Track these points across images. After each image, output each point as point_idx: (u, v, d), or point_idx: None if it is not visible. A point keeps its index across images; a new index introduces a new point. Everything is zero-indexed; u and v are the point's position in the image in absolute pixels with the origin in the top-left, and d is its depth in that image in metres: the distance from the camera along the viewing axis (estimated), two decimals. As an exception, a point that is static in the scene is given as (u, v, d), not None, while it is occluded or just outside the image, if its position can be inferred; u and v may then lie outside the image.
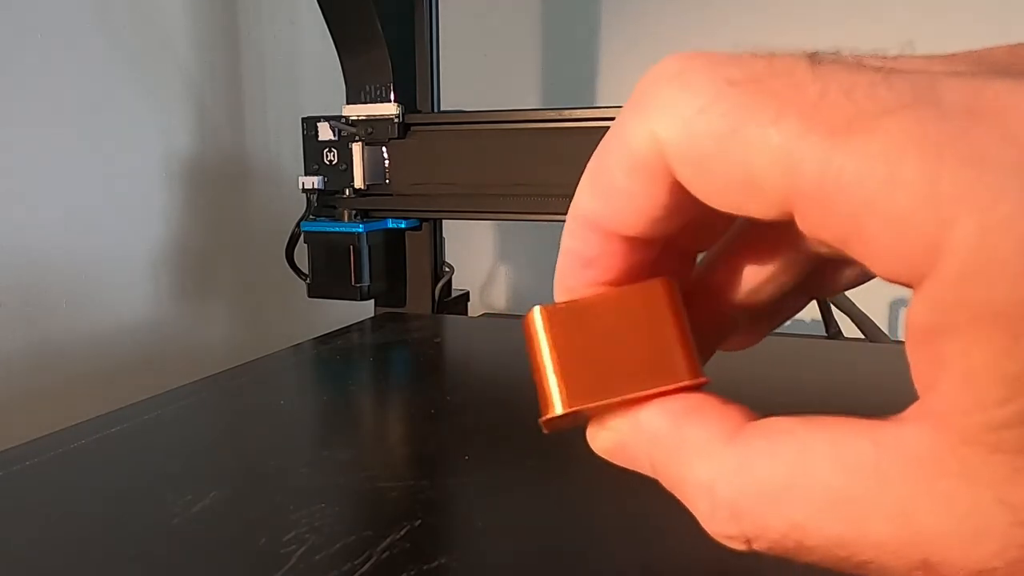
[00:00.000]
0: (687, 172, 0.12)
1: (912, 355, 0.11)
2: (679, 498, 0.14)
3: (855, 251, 0.11)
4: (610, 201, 0.13)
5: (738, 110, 0.11)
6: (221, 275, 0.81)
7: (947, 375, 0.11)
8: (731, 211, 0.12)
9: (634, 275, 0.14)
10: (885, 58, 0.12)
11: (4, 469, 0.28)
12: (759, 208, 0.12)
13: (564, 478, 0.28)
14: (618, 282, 0.15)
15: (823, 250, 0.13)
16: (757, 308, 0.16)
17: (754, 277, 0.15)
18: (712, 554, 0.22)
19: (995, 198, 0.09)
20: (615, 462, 0.15)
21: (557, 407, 0.14)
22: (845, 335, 0.66)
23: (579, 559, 0.22)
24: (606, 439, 0.15)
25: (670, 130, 0.12)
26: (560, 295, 0.15)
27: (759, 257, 0.15)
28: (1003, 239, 0.09)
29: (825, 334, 0.70)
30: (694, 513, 0.13)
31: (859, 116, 0.10)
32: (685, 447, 0.13)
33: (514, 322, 0.62)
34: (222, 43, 0.81)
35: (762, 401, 0.14)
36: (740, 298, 0.16)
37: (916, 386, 0.12)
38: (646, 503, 0.25)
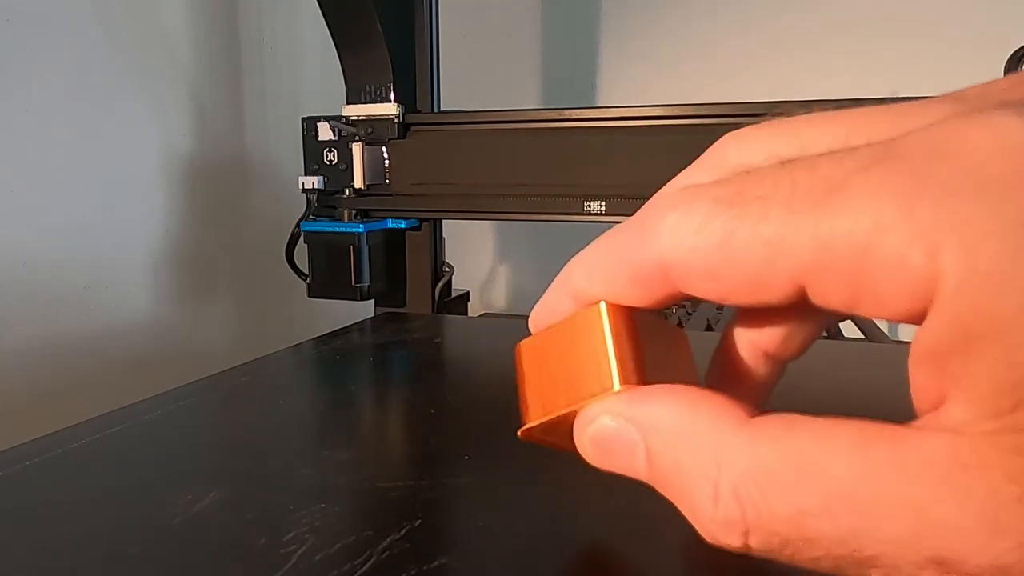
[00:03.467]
0: (695, 284, 0.13)
1: (916, 377, 0.12)
2: (670, 493, 0.14)
3: (866, 307, 0.12)
4: (606, 295, 0.15)
5: (730, 220, 0.12)
6: (221, 275, 0.81)
7: (955, 391, 0.11)
8: (745, 303, 0.13)
9: None
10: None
11: (4, 469, 0.28)
12: (772, 297, 0.13)
13: (564, 478, 0.28)
14: None
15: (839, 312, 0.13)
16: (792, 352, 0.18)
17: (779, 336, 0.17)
18: (713, 552, 0.22)
19: (968, 221, 0.10)
20: (599, 461, 0.15)
21: (525, 422, 0.17)
22: (845, 335, 0.66)
23: (579, 559, 0.22)
24: (594, 431, 0.15)
25: (676, 252, 0.13)
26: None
27: (778, 320, 0.17)
28: (983, 255, 0.10)
29: (825, 334, 0.71)
30: (689, 506, 0.13)
31: (831, 185, 0.11)
32: (689, 431, 0.13)
33: (514, 322, 0.63)
34: (222, 43, 0.81)
35: (762, 401, 0.14)
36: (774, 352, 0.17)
37: (917, 406, 0.12)
38: (647, 503, 0.25)
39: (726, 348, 0.18)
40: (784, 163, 0.13)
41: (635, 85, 0.94)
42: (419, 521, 0.24)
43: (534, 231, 0.95)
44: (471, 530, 0.24)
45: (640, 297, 0.15)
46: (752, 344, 0.18)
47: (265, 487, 0.27)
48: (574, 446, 0.16)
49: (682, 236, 0.13)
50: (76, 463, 0.29)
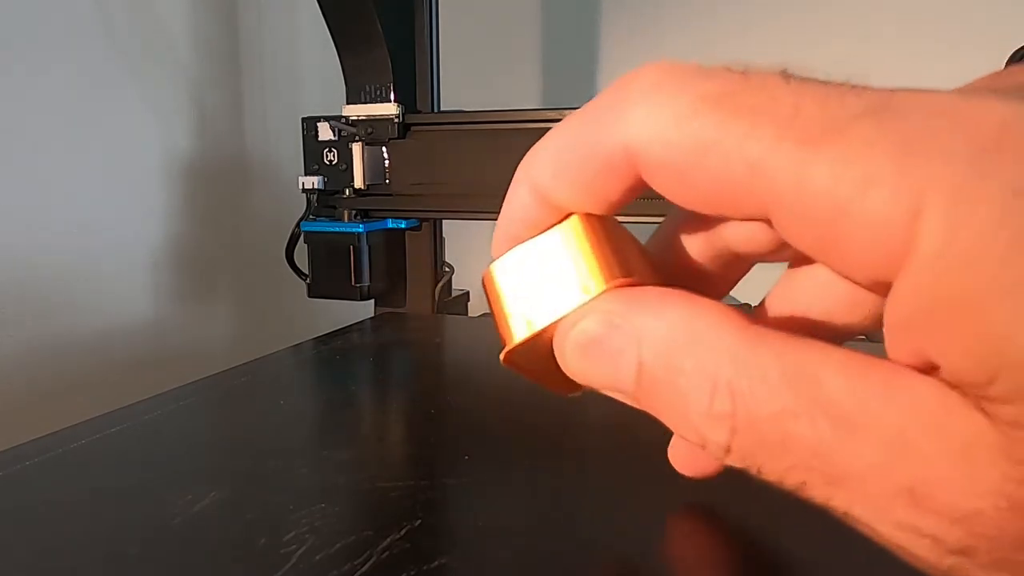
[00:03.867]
0: (662, 180, 0.13)
1: (892, 345, 0.12)
2: (659, 401, 0.13)
3: (831, 260, 0.11)
4: (569, 187, 0.14)
5: (715, 124, 0.12)
6: (221, 275, 0.81)
7: (934, 360, 0.11)
8: (708, 213, 0.13)
9: None
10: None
11: (4, 469, 0.28)
12: (737, 215, 0.12)
13: (565, 478, 0.28)
14: None
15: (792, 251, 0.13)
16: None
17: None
18: (714, 551, 0.22)
19: (960, 186, 0.10)
20: (580, 370, 0.14)
21: (506, 345, 0.16)
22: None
23: (580, 558, 0.22)
24: (578, 333, 0.14)
25: (646, 141, 0.12)
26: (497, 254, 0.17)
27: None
28: (969, 222, 0.10)
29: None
30: (680, 405, 0.13)
31: (831, 125, 0.11)
32: (690, 339, 0.13)
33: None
34: (222, 43, 0.81)
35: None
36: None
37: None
38: (647, 502, 0.25)
39: (677, 239, 0.17)
40: (787, 77, 0.12)
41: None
42: (419, 521, 0.24)
43: (534, 231, 0.95)
44: (471, 530, 0.24)
45: (606, 189, 0.14)
46: (709, 239, 0.17)
47: (265, 487, 0.27)
48: (558, 374, 0.15)
49: (658, 127, 0.12)
50: (76, 463, 0.29)
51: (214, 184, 0.79)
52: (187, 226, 0.75)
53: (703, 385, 0.12)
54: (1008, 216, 0.10)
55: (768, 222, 0.12)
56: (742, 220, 0.13)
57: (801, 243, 0.12)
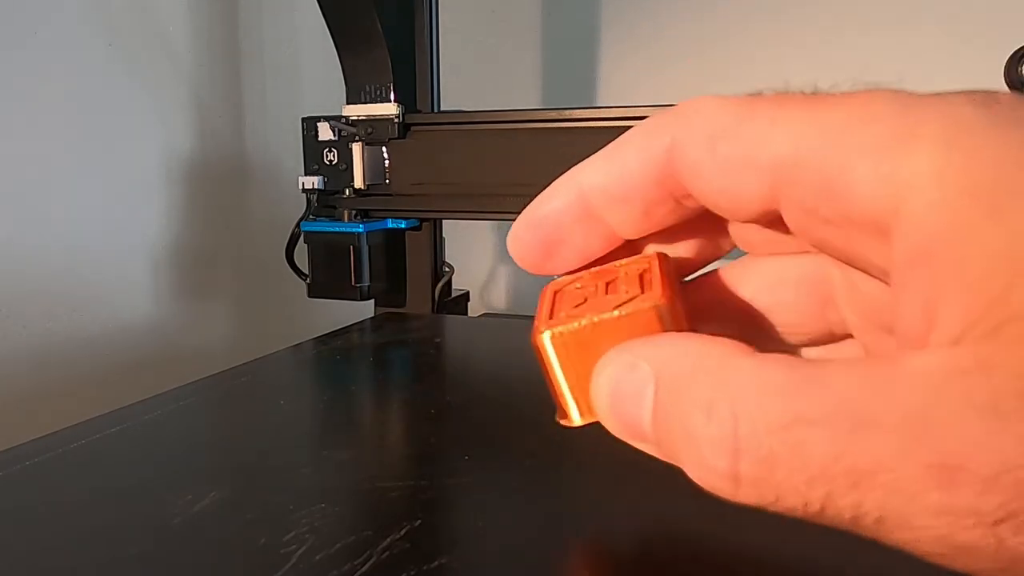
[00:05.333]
0: (694, 154, 0.14)
1: (905, 306, 0.11)
2: (669, 436, 0.13)
3: (833, 199, 0.12)
4: (608, 166, 0.15)
5: (748, 110, 0.13)
6: (221, 275, 0.81)
7: (943, 296, 0.11)
8: (722, 196, 0.14)
9: (582, 257, 0.17)
10: None
11: (4, 469, 0.28)
12: (749, 179, 0.13)
13: (564, 477, 0.28)
14: (570, 256, 0.17)
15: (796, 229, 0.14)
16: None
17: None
18: (715, 550, 0.22)
19: (959, 117, 0.11)
20: (613, 419, 0.14)
21: (574, 419, 0.15)
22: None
23: (580, 558, 0.22)
24: (606, 382, 0.14)
25: (687, 127, 0.14)
26: (510, 243, 0.17)
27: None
28: (965, 152, 0.10)
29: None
30: (685, 434, 0.12)
31: (844, 96, 0.12)
32: (694, 367, 0.13)
33: (514, 322, 0.63)
34: (222, 43, 0.81)
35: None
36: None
37: (907, 340, 0.12)
38: (647, 502, 0.25)
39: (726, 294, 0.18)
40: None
41: (635, 84, 0.94)
42: (419, 521, 0.24)
43: (534, 231, 0.95)
44: (471, 530, 0.24)
45: (648, 196, 0.15)
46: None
47: (265, 487, 0.27)
48: None
49: (699, 117, 0.14)
50: (76, 463, 0.29)
51: (214, 184, 0.79)
52: (187, 226, 0.75)
53: (700, 408, 0.12)
54: (1006, 134, 0.10)
55: (771, 206, 0.13)
56: (747, 204, 0.13)
57: (804, 199, 0.12)
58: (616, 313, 0.15)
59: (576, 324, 0.15)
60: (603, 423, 0.15)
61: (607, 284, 0.16)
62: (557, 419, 0.16)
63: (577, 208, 0.16)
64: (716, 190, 0.14)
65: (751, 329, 0.17)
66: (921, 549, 0.11)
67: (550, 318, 0.16)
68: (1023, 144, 0.10)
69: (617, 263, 0.17)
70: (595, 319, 0.15)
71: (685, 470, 0.13)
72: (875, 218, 0.11)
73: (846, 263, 0.14)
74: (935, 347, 0.11)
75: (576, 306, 0.16)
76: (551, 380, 0.15)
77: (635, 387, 0.13)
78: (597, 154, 0.16)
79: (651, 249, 0.18)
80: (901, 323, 0.12)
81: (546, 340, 0.15)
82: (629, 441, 0.14)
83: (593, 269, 0.17)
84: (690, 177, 0.14)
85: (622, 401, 0.14)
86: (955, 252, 0.10)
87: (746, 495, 0.12)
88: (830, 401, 0.11)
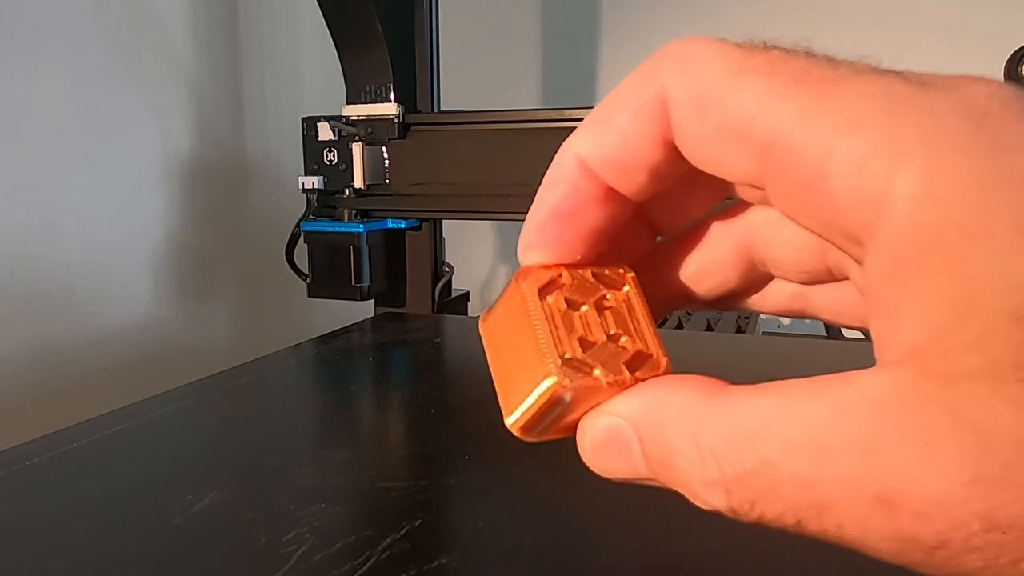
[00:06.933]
0: (683, 115, 0.13)
1: (873, 319, 0.12)
2: (667, 475, 0.14)
3: (815, 203, 0.12)
4: (605, 138, 0.15)
5: (739, 66, 0.13)
6: (221, 275, 0.81)
7: (901, 319, 0.11)
8: (710, 164, 0.14)
9: (602, 239, 0.16)
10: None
11: (4, 469, 0.28)
12: (738, 155, 0.13)
13: (564, 477, 0.28)
14: (586, 243, 0.16)
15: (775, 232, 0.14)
16: (695, 295, 0.18)
17: (697, 265, 0.17)
18: (716, 547, 0.22)
19: (941, 132, 0.11)
20: (606, 471, 0.15)
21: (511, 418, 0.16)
22: (845, 335, 0.66)
23: (579, 558, 0.22)
24: (590, 442, 0.15)
25: (677, 78, 0.13)
26: (526, 252, 0.17)
27: (707, 250, 0.17)
28: (946, 167, 0.10)
29: (825, 334, 0.71)
30: (682, 478, 0.13)
31: (839, 76, 0.12)
32: (671, 412, 0.13)
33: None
34: (222, 43, 0.81)
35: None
36: (682, 279, 0.18)
37: (876, 352, 0.12)
38: (647, 501, 0.25)
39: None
40: (808, 50, 0.13)
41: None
42: (419, 521, 0.24)
43: (534, 231, 0.95)
44: (471, 530, 0.24)
45: (639, 143, 0.14)
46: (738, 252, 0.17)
47: (265, 487, 0.27)
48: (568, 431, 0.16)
49: (690, 66, 0.13)
50: (76, 463, 0.29)
51: (214, 184, 0.79)
52: (187, 226, 0.75)
53: (692, 456, 0.13)
54: (988, 163, 0.10)
55: (760, 188, 0.13)
56: (734, 172, 0.13)
57: (786, 179, 0.12)
58: (631, 376, 0.15)
59: (602, 383, 0.15)
60: (592, 469, 0.15)
61: (599, 309, 0.16)
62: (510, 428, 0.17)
63: (588, 187, 0.16)
64: (703, 156, 0.14)
65: (751, 268, 0.17)
66: (889, 561, 0.12)
67: (556, 342, 0.15)
68: (998, 178, 0.10)
69: (594, 270, 0.17)
70: (615, 378, 0.15)
71: (691, 501, 0.14)
72: (850, 230, 0.12)
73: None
74: (885, 365, 0.11)
75: (580, 338, 0.15)
76: (548, 415, 0.16)
77: (621, 442, 0.14)
78: (591, 119, 0.15)
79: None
80: (872, 329, 0.12)
81: (566, 390, 0.15)
82: (626, 481, 0.15)
83: (569, 269, 0.17)
84: (679, 137, 0.14)
85: (610, 455, 0.15)
86: (913, 285, 0.11)
87: (746, 519, 0.13)
88: (790, 439, 0.12)
